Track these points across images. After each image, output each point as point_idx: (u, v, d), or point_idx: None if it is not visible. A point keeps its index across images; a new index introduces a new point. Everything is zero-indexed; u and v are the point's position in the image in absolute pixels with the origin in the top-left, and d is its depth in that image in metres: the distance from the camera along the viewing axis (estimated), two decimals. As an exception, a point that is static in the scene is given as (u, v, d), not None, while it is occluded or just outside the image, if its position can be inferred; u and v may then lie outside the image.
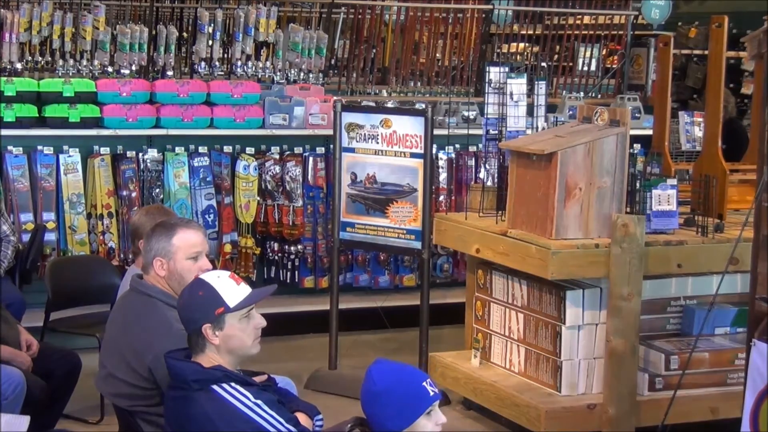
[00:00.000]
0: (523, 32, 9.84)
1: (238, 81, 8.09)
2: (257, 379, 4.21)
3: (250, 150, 8.07)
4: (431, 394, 3.85)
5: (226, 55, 8.42)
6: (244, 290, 4.10)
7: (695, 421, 6.06)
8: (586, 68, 9.94)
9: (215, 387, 3.97)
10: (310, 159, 8.21)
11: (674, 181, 6.28)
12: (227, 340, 4.06)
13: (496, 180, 6.76)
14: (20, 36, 7.60)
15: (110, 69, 7.85)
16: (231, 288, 4.07)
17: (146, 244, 4.63)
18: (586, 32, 9.91)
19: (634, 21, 9.99)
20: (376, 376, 3.82)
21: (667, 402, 5.40)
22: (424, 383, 3.86)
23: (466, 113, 8.51)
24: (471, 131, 7.53)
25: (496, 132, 6.76)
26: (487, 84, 6.79)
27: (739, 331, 6.24)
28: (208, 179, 7.89)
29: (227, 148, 8.04)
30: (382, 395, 3.80)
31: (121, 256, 7.61)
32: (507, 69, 6.79)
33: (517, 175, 6.23)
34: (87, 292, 6.73)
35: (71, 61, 7.73)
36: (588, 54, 9.89)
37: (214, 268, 4.89)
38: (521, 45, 10.03)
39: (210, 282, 4.08)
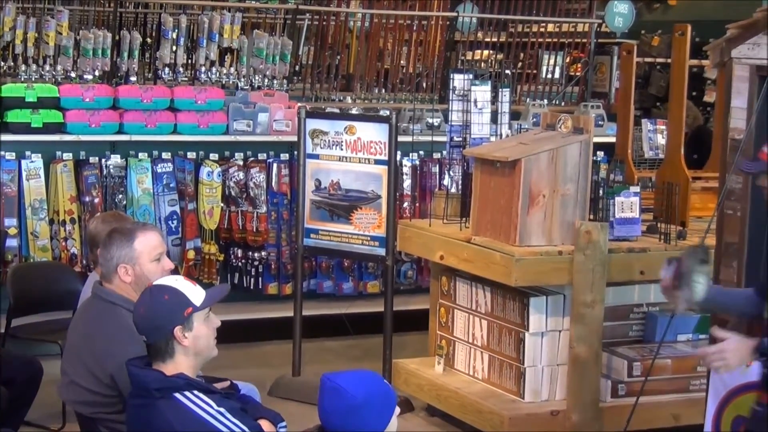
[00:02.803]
0: (488, 40, 9.85)
1: (202, 87, 8.05)
2: (219, 385, 4.20)
3: (213, 156, 8.04)
4: (392, 388, 3.89)
5: (190, 61, 8.38)
6: (201, 290, 4.11)
7: (658, 427, 6.09)
8: (549, 76, 9.96)
9: (177, 395, 3.95)
10: (274, 165, 8.19)
11: (637, 189, 6.32)
12: (196, 341, 4.04)
13: (460, 187, 6.77)
14: (-18, 41, 7.56)
15: (73, 74, 7.78)
16: (191, 288, 4.07)
17: (106, 253, 4.58)
18: (549, 40, 9.94)
19: (598, 29, 10.02)
20: (351, 389, 3.74)
21: (630, 408, 5.42)
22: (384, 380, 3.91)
23: (430, 120, 8.52)
24: (435, 138, 7.56)
25: (461, 139, 6.77)
26: (451, 91, 6.81)
27: (702, 338, 6.27)
28: (171, 185, 7.85)
29: (191, 154, 7.99)
30: (364, 406, 3.75)
31: (84, 262, 7.54)
32: (471, 76, 6.81)
33: (481, 182, 6.24)
34: (49, 298, 6.67)
35: (34, 66, 7.66)
36: (552, 62, 9.92)
37: (177, 273, 4.86)
38: (485, 52, 10.04)
39: (171, 285, 4.07)
